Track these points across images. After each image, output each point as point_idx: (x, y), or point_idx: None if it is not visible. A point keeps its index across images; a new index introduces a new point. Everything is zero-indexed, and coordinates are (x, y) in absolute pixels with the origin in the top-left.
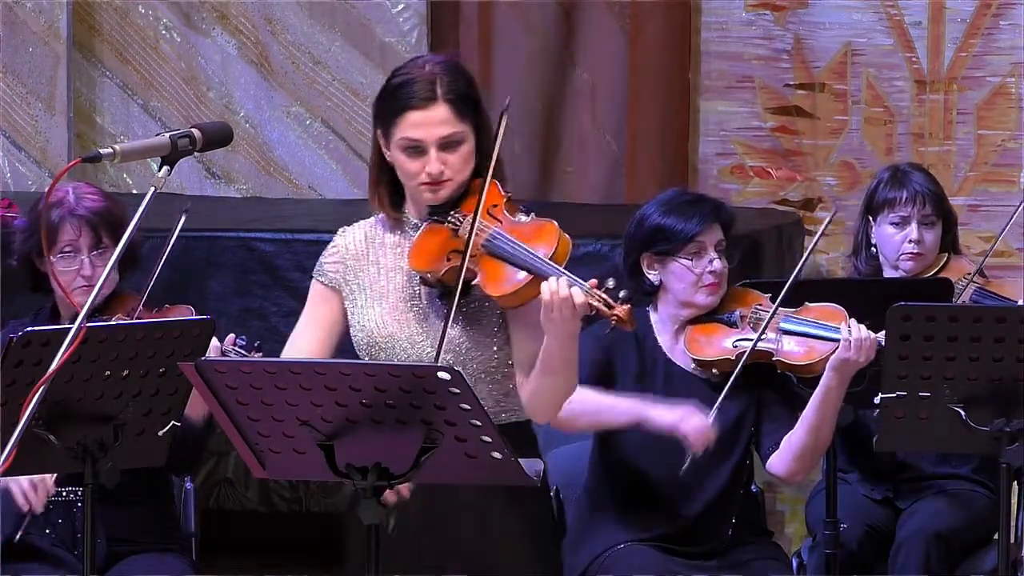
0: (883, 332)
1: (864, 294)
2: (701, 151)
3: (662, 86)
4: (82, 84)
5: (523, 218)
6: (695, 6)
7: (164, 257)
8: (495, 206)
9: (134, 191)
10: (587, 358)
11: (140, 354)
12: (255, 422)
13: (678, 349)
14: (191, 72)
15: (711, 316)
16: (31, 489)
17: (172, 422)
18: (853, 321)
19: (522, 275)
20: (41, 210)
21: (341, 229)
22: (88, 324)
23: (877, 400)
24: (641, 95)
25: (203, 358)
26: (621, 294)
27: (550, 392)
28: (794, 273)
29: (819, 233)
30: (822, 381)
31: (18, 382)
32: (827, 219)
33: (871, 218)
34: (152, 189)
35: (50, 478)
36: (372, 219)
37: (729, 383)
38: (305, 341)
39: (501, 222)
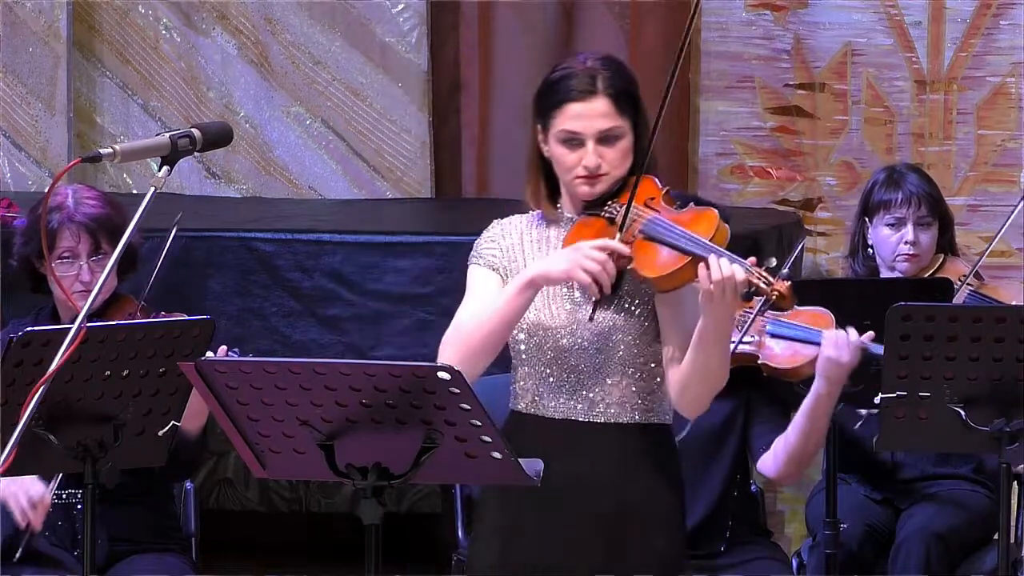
0: (868, 334)
1: (863, 294)
2: (701, 151)
3: (662, 86)
4: (82, 84)
5: (681, 209)
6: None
7: (159, 264)
8: (652, 198)
9: (134, 191)
10: None
11: (140, 354)
12: (255, 422)
13: None
14: (191, 72)
15: None
16: (30, 507)
17: (172, 422)
18: (852, 330)
19: (679, 256)
20: (40, 214)
21: (497, 220)
22: (88, 324)
23: (877, 400)
24: (641, 95)
25: (203, 358)
26: (782, 273)
27: (703, 377)
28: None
29: (801, 240)
30: (813, 387)
31: (18, 382)
32: (798, 246)
33: (867, 219)
34: (152, 189)
35: (48, 495)
36: (528, 214)
37: None
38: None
39: (659, 212)
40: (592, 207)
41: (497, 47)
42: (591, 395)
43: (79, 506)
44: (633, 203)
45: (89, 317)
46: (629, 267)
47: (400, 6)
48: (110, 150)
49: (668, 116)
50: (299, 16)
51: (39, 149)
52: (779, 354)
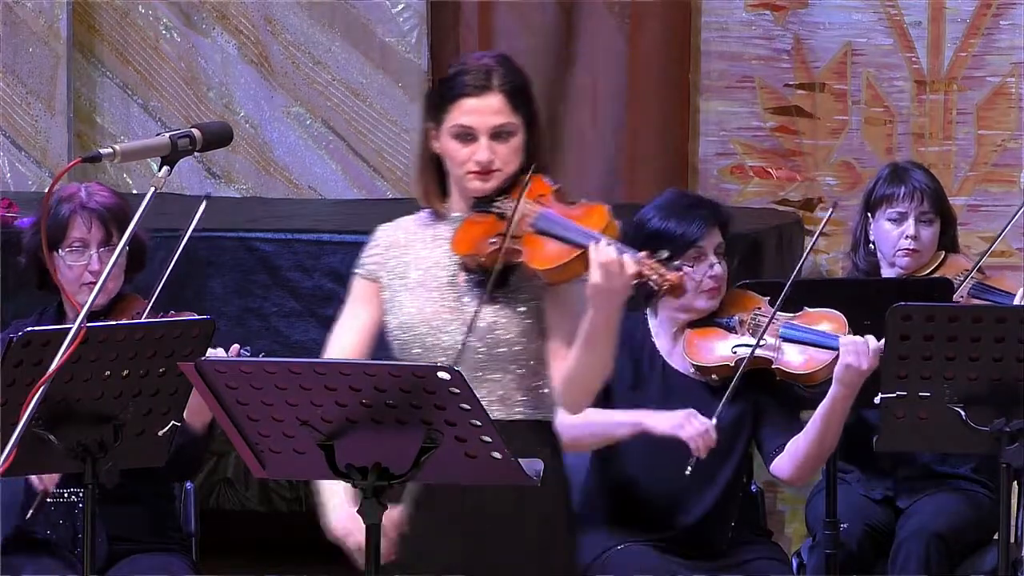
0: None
1: (863, 294)
2: (701, 151)
3: (662, 86)
4: (82, 84)
5: (571, 205)
6: (695, 6)
7: (179, 251)
8: (542, 195)
9: (134, 191)
10: None
11: (140, 354)
12: (255, 422)
13: (676, 353)
14: (191, 72)
15: (710, 319)
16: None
17: (172, 422)
18: (871, 338)
19: (570, 248)
20: (52, 205)
21: (382, 225)
22: (88, 324)
23: (877, 400)
24: (641, 95)
25: (203, 358)
26: (672, 264)
27: (588, 373)
28: (791, 278)
29: (816, 235)
30: (829, 393)
31: (18, 382)
32: (825, 218)
33: (870, 214)
34: (152, 189)
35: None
36: (414, 216)
37: (729, 391)
38: (347, 338)
39: (550, 207)
40: (482, 204)
41: (497, 47)
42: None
43: (80, 505)
44: (524, 199)
45: (96, 316)
46: (518, 261)
47: (400, 6)
48: (110, 150)
49: (668, 116)
50: (299, 16)
51: (39, 149)
52: (794, 360)
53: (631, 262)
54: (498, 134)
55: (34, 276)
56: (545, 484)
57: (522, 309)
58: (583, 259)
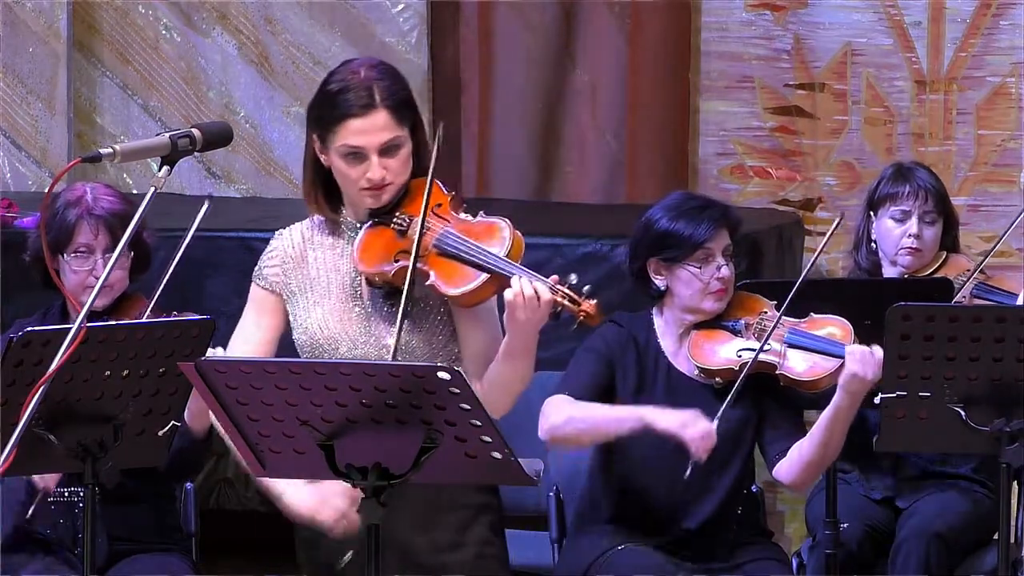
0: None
1: (864, 293)
2: (701, 151)
3: (662, 86)
4: (82, 84)
5: (470, 217)
6: (695, 6)
7: (181, 251)
8: (439, 205)
9: (134, 191)
10: (587, 374)
11: (140, 354)
12: (255, 422)
13: (681, 354)
14: (191, 72)
15: (716, 321)
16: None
17: (172, 422)
18: (876, 348)
19: (480, 275)
20: (58, 208)
21: (278, 232)
22: (88, 324)
23: (877, 400)
24: (641, 95)
25: (203, 358)
26: (585, 288)
27: (509, 383)
28: (796, 284)
29: (823, 242)
30: (833, 401)
31: (18, 382)
32: (829, 232)
33: (872, 213)
34: (152, 189)
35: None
36: (308, 220)
37: (732, 394)
38: (246, 348)
39: (449, 221)
40: (379, 214)
41: (497, 47)
42: None
43: (80, 504)
44: (424, 214)
45: (99, 315)
46: (427, 283)
47: (400, 6)
48: (110, 150)
49: (668, 116)
50: (299, 16)
51: (39, 149)
52: (799, 366)
53: (546, 291)
54: (387, 149)
55: (39, 275)
56: (468, 491)
57: (436, 317)
58: (492, 284)
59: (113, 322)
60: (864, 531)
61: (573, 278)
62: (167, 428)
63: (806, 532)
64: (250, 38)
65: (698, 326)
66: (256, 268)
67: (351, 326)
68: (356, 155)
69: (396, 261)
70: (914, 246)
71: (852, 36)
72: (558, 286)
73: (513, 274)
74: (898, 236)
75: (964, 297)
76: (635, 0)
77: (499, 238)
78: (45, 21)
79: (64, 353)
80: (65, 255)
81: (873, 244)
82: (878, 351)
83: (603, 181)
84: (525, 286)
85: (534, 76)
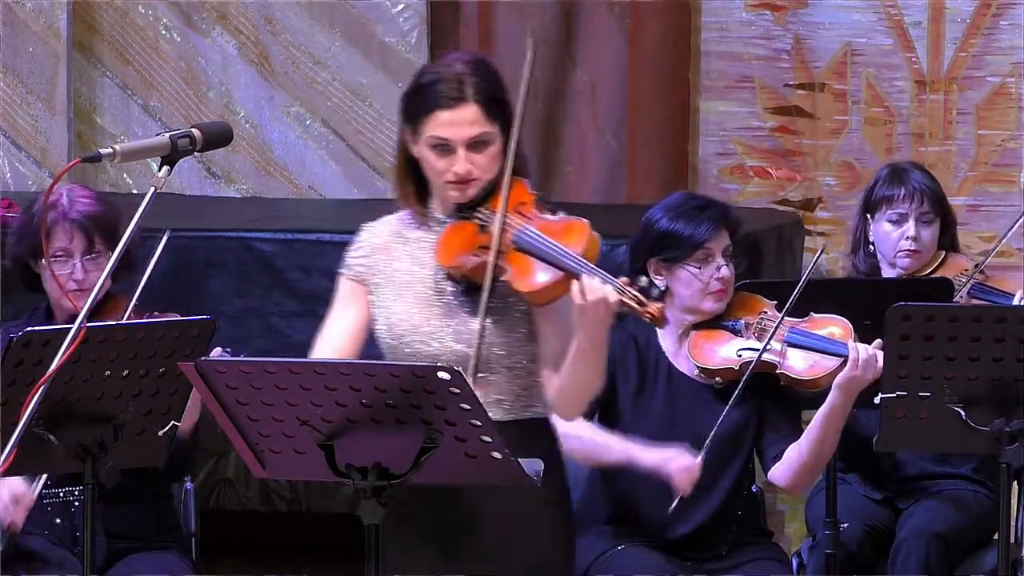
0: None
1: (864, 294)
2: (701, 151)
3: (662, 86)
4: (82, 84)
5: (551, 216)
6: (695, 6)
7: (147, 274)
8: (523, 204)
9: (134, 191)
10: None
11: (140, 354)
12: (255, 422)
13: (681, 354)
14: (191, 72)
15: (716, 321)
16: (11, 503)
17: (172, 422)
18: (876, 344)
19: (553, 273)
20: (35, 212)
21: (367, 224)
22: (88, 324)
23: (877, 400)
24: (641, 95)
25: (203, 358)
26: (654, 292)
27: (580, 387)
28: (799, 286)
29: (818, 256)
30: (828, 399)
31: (18, 382)
32: (817, 256)
33: (869, 215)
34: (152, 189)
35: (32, 493)
36: (397, 215)
37: (734, 396)
38: (335, 338)
39: (530, 219)
40: (464, 209)
41: (497, 47)
42: None
43: (77, 504)
44: (506, 212)
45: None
46: (503, 278)
47: (400, 6)
48: (110, 150)
49: (668, 116)
50: (299, 16)
51: (39, 149)
52: (799, 365)
53: (614, 293)
54: (475, 144)
55: (21, 279)
56: (546, 479)
57: (516, 314)
58: (565, 283)
59: (113, 322)
60: (864, 531)
61: (643, 280)
62: (167, 428)
63: (806, 532)
64: (250, 38)
65: (698, 326)
66: (343, 260)
67: (432, 320)
68: (443, 147)
69: (476, 256)
70: (912, 248)
71: (852, 36)
72: (627, 287)
73: (584, 273)
74: (896, 239)
75: (961, 298)
76: (635, 0)
77: (577, 237)
78: (45, 21)
79: (64, 353)
80: (42, 260)
81: (871, 247)
82: (878, 352)
83: (603, 181)
84: (592, 286)
85: (534, 76)
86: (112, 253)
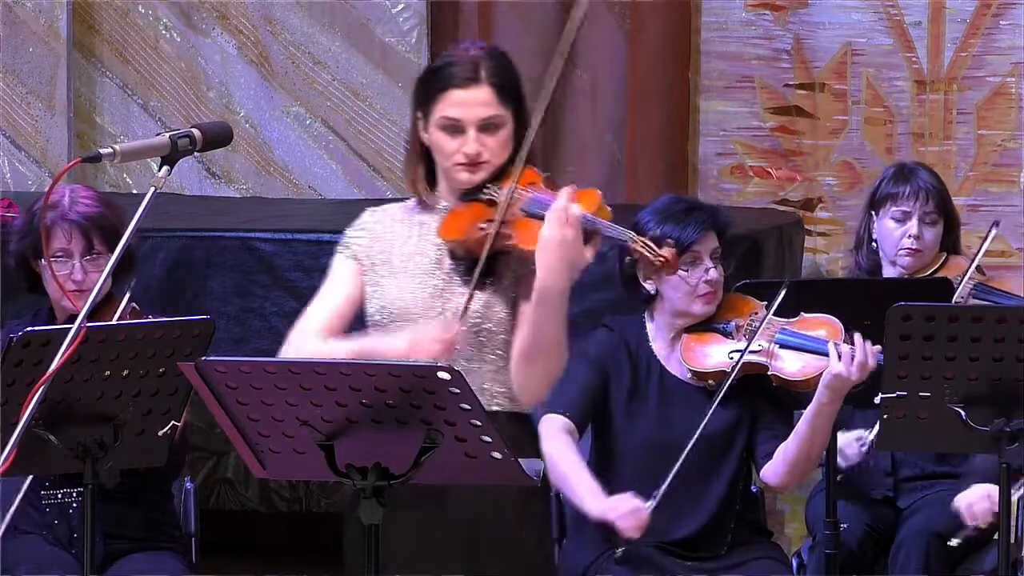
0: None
1: (863, 294)
2: (701, 151)
3: (662, 86)
4: (82, 84)
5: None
6: (695, 6)
7: (132, 283)
8: (533, 183)
9: (134, 191)
10: (579, 387)
11: (140, 354)
12: (255, 422)
13: (673, 358)
14: (191, 72)
15: (707, 324)
16: None
17: (172, 422)
18: (857, 337)
19: None
20: (36, 212)
21: (370, 208)
22: (88, 324)
23: (877, 400)
24: (641, 95)
25: (203, 358)
26: (668, 240)
27: (539, 348)
28: (783, 285)
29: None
30: (815, 398)
31: (18, 382)
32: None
33: (873, 212)
34: (152, 189)
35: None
36: (404, 203)
37: (719, 393)
38: (322, 314)
39: (541, 191)
40: (470, 195)
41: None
42: None
43: (75, 505)
44: (516, 185)
45: (76, 317)
46: (507, 245)
47: (400, 6)
48: (110, 150)
49: (668, 116)
50: (299, 16)
51: (39, 149)
52: (790, 366)
53: (576, 216)
54: (486, 126)
55: (23, 279)
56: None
57: (505, 297)
58: None
59: (113, 322)
60: (864, 531)
61: (656, 231)
62: (167, 428)
63: (806, 532)
64: (250, 38)
65: (689, 330)
66: (342, 238)
67: (424, 298)
68: (455, 127)
69: (480, 229)
70: (914, 247)
71: (852, 36)
72: (638, 236)
73: (597, 227)
74: (898, 237)
75: (962, 298)
76: (635, 0)
77: (588, 201)
78: (45, 21)
79: (64, 353)
80: (43, 260)
81: (874, 244)
82: (860, 353)
83: (603, 181)
84: (571, 212)
85: (534, 76)
86: (112, 254)
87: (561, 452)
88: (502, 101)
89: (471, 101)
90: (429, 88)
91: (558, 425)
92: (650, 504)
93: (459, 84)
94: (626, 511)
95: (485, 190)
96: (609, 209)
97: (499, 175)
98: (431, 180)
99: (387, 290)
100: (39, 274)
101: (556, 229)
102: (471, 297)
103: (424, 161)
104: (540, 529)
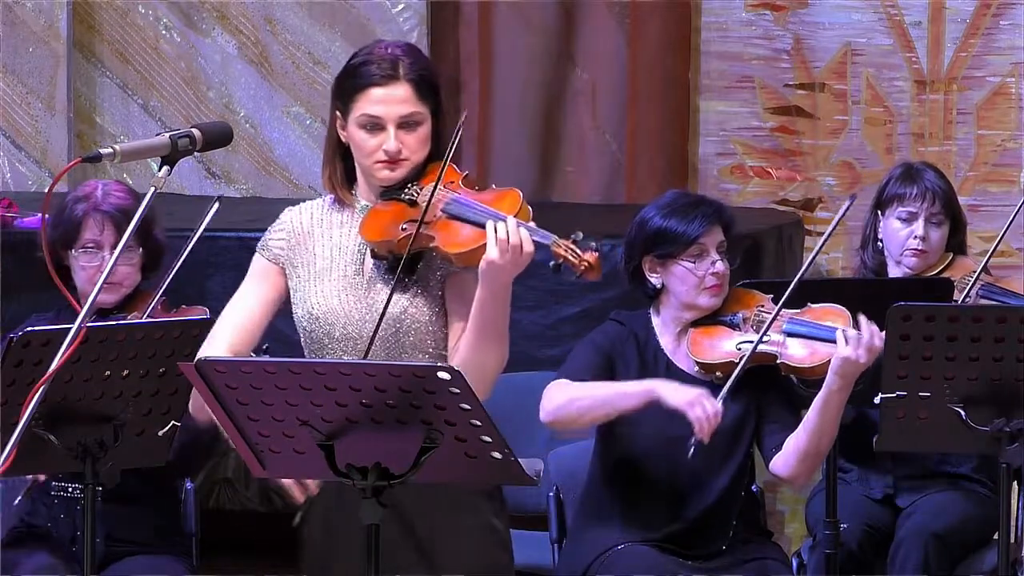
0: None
1: (864, 293)
2: (701, 151)
3: (662, 86)
4: (82, 84)
5: (482, 191)
6: (695, 6)
7: (187, 250)
8: (452, 182)
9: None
10: (587, 362)
11: (140, 354)
12: (255, 422)
13: (680, 351)
14: (191, 72)
15: (713, 318)
16: None
17: (172, 422)
18: (863, 318)
19: (482, 232)
20: (68, 203)
21: (288, 208)
22: (88, 324)
23: (877, 400)
24: (641, 95)
25: (203, 358)
26: (590, 245)
27: (480, 358)
28: (799, 274)
29: (827, 235)
30: (824, 384)
31: (18, 382)
32: (836, 218)
33: (880, 212)
34: (152, 189)
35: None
36: (321, 199)
37: (731, 381)
38: (237, 316)
39: (460, 192)
40: (390, 193)
41: (497, 47)
42: None
43: (83, 501)
44: (438, 186)
45: (109, 311)
46: (430, 246)
47: (400, 6)
48: (110, 150)
49: (668, 116)
50: (299, 16)
51: (39, 149)
52: (799, 354)
53: (530, 243)
54: (406, 124)
55: (55, 273)
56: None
57: (429, 296)
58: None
59: (112, 322)
60: (864, 531)
61: (579, 234)
62: (167, 428)
63: (806, 532)
64: (250, 38)
65: (696, 323)
66: (261, 239)
67: (349, 300)
68: (374, 125)
69: (403, 230)
70: (919, 247)
71: (852, 36)
72: (561, 240)
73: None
74: (904, 237)
75: (969, 298)
76: (635, 0)
77: (509, 202)
78: (45, 21)
79: (64, 353)
80: (74, 251)
81: (880, 243)
82: (867, 335)
83: (603, 181)
84: (512, 228)
85: (534, 76)
86: (142, 249)
87: (588, 385)
88: (421, 98)
89: (390, 99)
90: (348, 86)
91: (567, 381)
92: (719, 403)
93: (378, 82)
94: (707, 411)
95: (406, 190)
96: (529, 209)
97: (419, 174)
98: (349, 179)
99: (311, 293)
100: (67, 267)
101: (506, 258)
102: (390, 298)
103: (342, 160)
104: (495, 529)
